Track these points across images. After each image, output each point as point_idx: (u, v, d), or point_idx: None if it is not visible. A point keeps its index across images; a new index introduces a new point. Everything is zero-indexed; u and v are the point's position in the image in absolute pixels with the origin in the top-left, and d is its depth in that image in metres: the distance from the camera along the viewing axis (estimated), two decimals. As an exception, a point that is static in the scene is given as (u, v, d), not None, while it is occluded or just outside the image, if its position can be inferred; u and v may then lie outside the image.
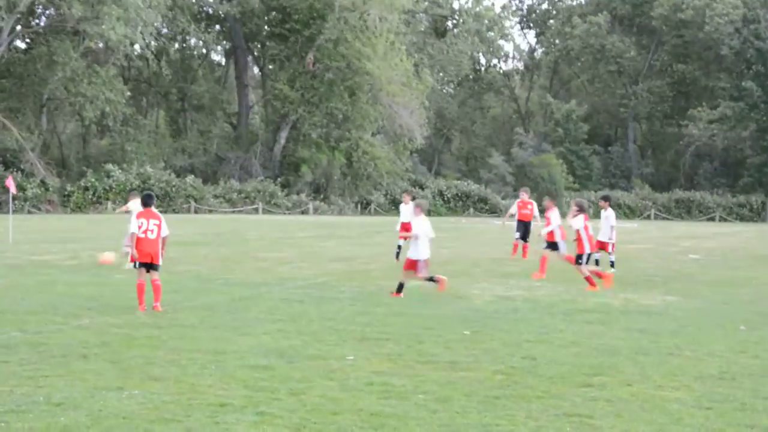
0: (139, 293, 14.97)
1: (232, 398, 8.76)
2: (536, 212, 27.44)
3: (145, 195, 15.90)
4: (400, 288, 17.37)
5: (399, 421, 8.12)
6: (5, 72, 69.59)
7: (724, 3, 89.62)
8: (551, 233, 22.50)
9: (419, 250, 17.15)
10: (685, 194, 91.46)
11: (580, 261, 19.54)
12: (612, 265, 23.86)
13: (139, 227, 14.93)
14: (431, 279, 17.61)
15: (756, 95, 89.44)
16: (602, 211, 24.98)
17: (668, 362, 11.14)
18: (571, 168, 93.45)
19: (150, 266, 15.07)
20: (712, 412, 8.64)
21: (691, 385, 9.83)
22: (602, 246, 23.89)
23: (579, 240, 19.43)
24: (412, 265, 17.20)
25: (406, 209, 24.70)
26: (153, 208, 15.43)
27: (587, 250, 19.46)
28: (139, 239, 14.93)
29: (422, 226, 17.27)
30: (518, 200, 28.24)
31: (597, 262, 23.75)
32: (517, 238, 27.60)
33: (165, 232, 15.23)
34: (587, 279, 19.38)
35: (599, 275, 19.84)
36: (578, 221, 19.50)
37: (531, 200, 27.97)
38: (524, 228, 27.38)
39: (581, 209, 19.72)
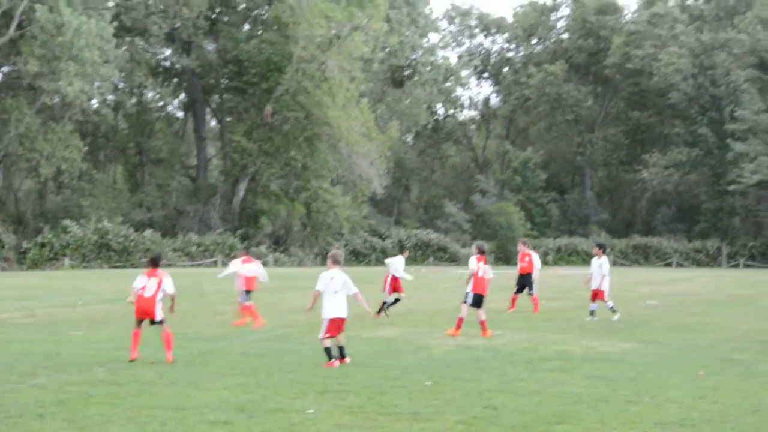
0: (132, 342, 15.50)
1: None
2: (537, 264, 26.85)
3: (154, 256, 16.32)
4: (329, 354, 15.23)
5: (360, 474, 8.08)
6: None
7: (669, 54, 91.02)
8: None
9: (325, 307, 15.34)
10: (643, 240, 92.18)
11: (465, 300, 19.53)
12: (613, 310, 23.82)
13: (141, 286, 15.48)
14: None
15: (710, 141, 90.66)
16: (595, 259, 24.77)
17: (628, 409, 11.17)
18: (530, 215, 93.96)
19: (151, 322, 15.44)
20: (672, 459, 8.67)
21: (651, 432, 9.86)
22: (596, 294, 23.97)
23: (476, 280, 19.35)
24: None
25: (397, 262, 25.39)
26: (158, 269, 15.74)
27: (468, 289, 19.46)
28: (138, 296, 15.48)
29: (323, 280, 15.41)
30: (519, 253, 27.57)
31: (592, 313, 23.87)
32: (516, 292, 26.77)
33: (170, 290, 15.58)
34: (459, 321, 19.63)
35: (459, 324, 19.70)
36: (473, 262, 19.54)
37: (530, 251, 27.17)
38: (522, 280, 26.72)
39: (480, 251, 19.74)
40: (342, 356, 15.11)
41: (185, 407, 11.06)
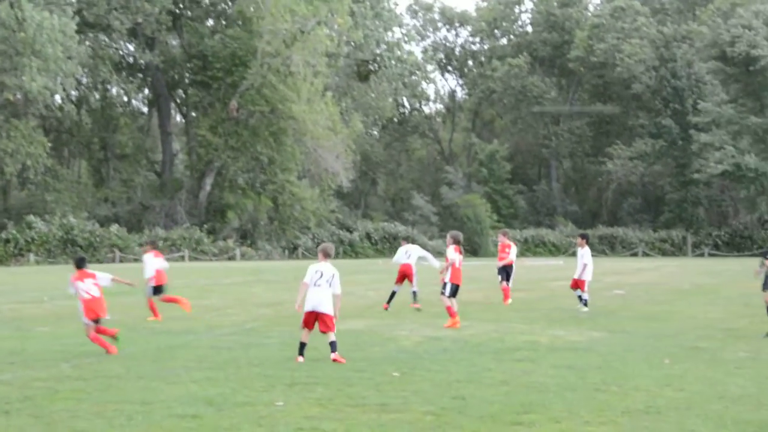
0: (99, 343, 15.55)
1: (159, 449, 8.64)
2: (513, 255, 26.60)
3: (78, 258, 16.44)
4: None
5: (329, 465, 8.09)
6: None
7: (632, 44, 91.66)
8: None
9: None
10: (609, 230, 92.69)
11: (443, 291, 19.61)
12: (584, 303, 23.90)
13: (85, 290, 15.51)
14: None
15: (674, 132, 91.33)
16: (579, 249, 24.84)
17: (595, 398, 11.24)
18: (496, 207, 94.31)
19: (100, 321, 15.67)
20: (639, 446, 8.73)
21: (617, 420, 9.92)
22: (576, 284, 24.07)
23: (453, 271, 19.42)
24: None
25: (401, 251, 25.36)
26: (86, 269, 15.90)
27: (447, 279, 19.51)
28: (85, 301, 15.42)
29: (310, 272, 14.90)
30: (499, 244, 27.31)
31: (580, 299, 23.95)
32: (500, 282, 26.59)
33: (106, 282, 15.99)
34: (449, 310, 19.71)
35: (451, 313, 19.68)
36: (451, 252, 19.57)
37: (510, 242, 26.90)
38: (505, 271, 26.50)
39: (455, 241, 19.74)
40: (333, 351, 14.63)
41: (153, 401, 11.01)
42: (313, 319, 14.68)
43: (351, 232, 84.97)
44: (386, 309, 23.96)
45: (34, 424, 9.80)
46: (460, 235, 20.38)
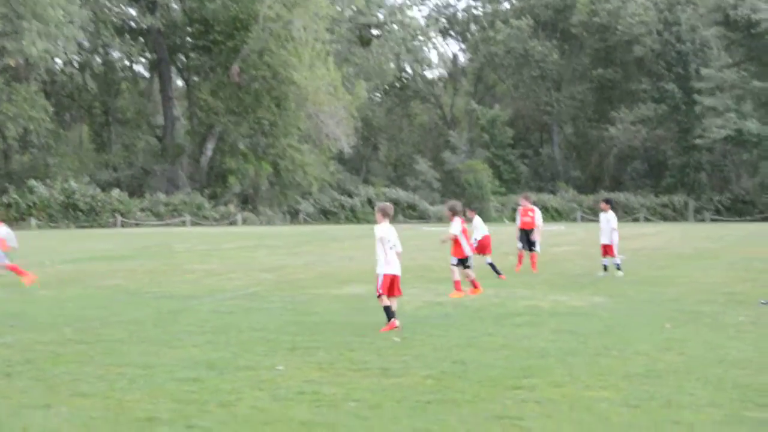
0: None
1: (160, 412, 8.67)
2: (539, 220, 25.61)
3: None
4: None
5: (330, 429, 8.11)
6: None
7: (636, 3, 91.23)
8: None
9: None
10: (610, 196, 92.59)
11: (465, 264, 18.90)
12: (618, 267, 23.80)
13: None
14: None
15: (677, 97, 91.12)
16: (602, 214, 24.60)
17: (596, 362, 11.26)
18: (498, 173, 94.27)
19: None
20: (638, 410, 8.75)
21: (618, 384, 9.95)
22: (606, 249, 23.92)
23: (457, 244, 18.65)
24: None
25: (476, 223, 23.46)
26: None
27: (468, 253, 18.78)
28: None
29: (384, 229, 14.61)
30: (519, 207, 26.21)
31: (605, 268, 23.87)
32: (520, 248, 25.51)
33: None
34: (456, 283, 18.91)
35: (474, 284, 19.10)
36: (455, 226, 18.60)
37: (533, 206, 25.86)
38: (527, 237, 25.34)
39: (455, 212, 18.63)
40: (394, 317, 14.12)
41: (154, 365, 11.04)
42: (391, 282, 14.36)
43: (352, 197, 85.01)
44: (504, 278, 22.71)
45: (36, 387, 9.83)
46: (459, 205, 19.48)
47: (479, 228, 23.05)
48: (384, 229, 14.56)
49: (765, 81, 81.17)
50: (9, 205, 66.25)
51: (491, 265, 23.24)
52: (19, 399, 9.24)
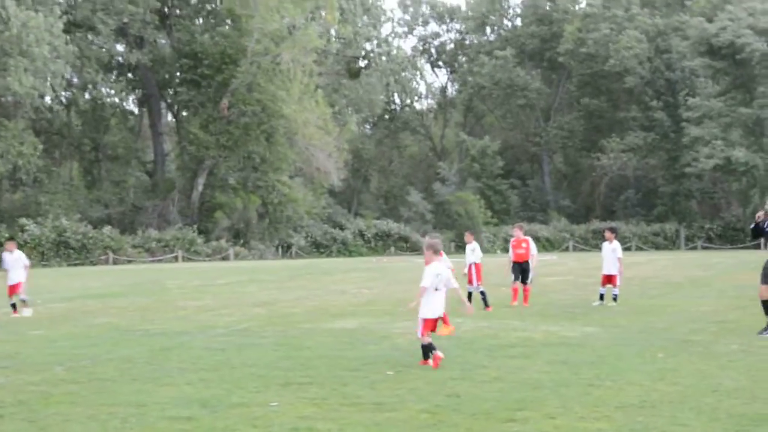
0: None
1: (154, 452, 8.64)
2: (534, 250, 24.71)
3: None
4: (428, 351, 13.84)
5: (324, 466, 8.09)
6: None
7: (629, 36, 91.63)
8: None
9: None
10: (602, 225, 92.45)
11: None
12: (614, 298, 23.84)
13: None
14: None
15: (666, 125, 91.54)
16: (606, 243, 24.52)
17: (590, 393, 11.25)
18: (489, 203, 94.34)
19: None
20: (633, 441, 8.74)
21: (612, 415, 9.93)
22: (609, 279, 23.92)
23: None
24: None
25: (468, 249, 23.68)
26: None
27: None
28: None
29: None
30: (512, 238, 25.13)
31: (602, 297, 23.90)
32: (513, 281, 24.37)
33: None
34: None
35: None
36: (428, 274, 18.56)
37: (526, 237, 24.88)
38: (520, 269, 24.22)
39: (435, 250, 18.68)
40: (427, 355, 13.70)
41: (146, 403, 11.00)
42: (434, 325, 13.91)
43: (343, 230, 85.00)
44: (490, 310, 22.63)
45: (28, 429, 9.79)
46: (437, 243, 19.30)
47: (476, 253, 23.18)
48: (436, 270, 13.87)
49: (751, 108, 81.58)
50: (0, 244, 65.98)
51: (483, 293, 23.21)
52: (11, 441, 9.20)
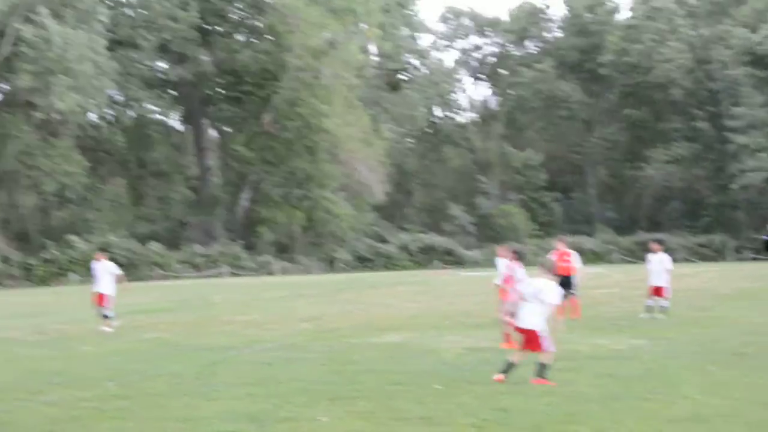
0: None
1: (205, 467, 8.69)
2: (578, 263, 24.47)
3: None
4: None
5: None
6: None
7: (671, 48, 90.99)
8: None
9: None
10: (648, 236, 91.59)
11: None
12: (663, 310, 23.76)
13: None
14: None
15: (710, 135, 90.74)
16: (652, 255, 24.52)
17: (640, 407, 11.16)
18: (533, 216, 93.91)
19: None
20: (686, 455, 8.67)
21: (663, 429, 9.86)
22: (657, 291, 23.81)
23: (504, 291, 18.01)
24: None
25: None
26: None
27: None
28: None
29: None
30: (554, 251, 24.56)
31: (649, 309, 23.79)
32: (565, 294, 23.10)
33: None
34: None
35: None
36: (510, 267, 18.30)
37: (569, 250, 24.64)
38: (564, 282, 22.25)
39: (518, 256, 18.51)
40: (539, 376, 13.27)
41: (195, 418, 11.07)
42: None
43: (387, 243, 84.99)
44: None
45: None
46: (515, 248, 18.94)
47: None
48: (542, 284, 13.70)
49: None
50: (49, 261, 66.79)
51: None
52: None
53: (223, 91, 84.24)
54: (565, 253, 24.44)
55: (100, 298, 24.27)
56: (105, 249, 38.48)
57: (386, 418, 10.80)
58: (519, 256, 18.58)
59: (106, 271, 24.72)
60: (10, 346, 21.12)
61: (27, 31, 60.54)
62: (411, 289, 42.47)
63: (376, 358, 16.61)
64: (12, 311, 34.83)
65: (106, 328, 23.62)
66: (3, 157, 67.48)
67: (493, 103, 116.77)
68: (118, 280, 24.97)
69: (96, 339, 21.93)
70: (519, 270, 17.87)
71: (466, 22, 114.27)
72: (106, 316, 24.09)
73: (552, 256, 23.63)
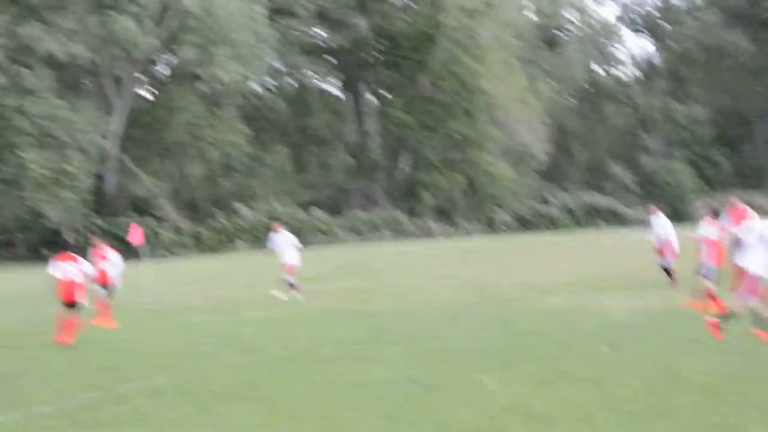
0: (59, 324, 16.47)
1: (373, 429, 8.79)
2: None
3: (64, 243, 17.57)
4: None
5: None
6: (134, 122, 71.59)
7: None
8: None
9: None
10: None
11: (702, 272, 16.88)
12: None
13: (66, 271, 16.48)
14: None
15: None
16: None
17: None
18: (699, 172, 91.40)
19: (70, 305, 16.45)
20: None
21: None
22: None
23: (712, 248, 16.94)
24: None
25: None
26: (71, 252, 16.95)
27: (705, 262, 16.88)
28: (63, 282, 16.45)
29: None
30: (730, 210, 21.45)
31: None
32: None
33: (87, 269, 16.94)
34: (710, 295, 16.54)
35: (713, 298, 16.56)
36: (707, 226, 17.32)
37: (744, 206, 21.87)
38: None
39: (714, 213, 17.64)
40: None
41: (363, 382, 11.24)
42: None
43: (549, 204, 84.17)
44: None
45: (258, 407, 10.16)
46: (713, 204, 18.18)
47: (665, 227, 22.14)
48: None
49: None
50: (217, 229, 68.71)
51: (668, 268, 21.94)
52: (240, 419, 9.57)
53: (380, 56, 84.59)
54: (742, 210, 22.17)
55: (290, 269, 24.42)
56: (280, 219, 39.02)
57: (554, 380, 10.73)
58: (715, 213, 17.81)
59: (287, 242, 24.83)
60: (186, 311, 21.88)
61: (192, 2, 62.09)
62: (573, 249, 42.00)
63: (540, 320, 16.52)
64: (184, 278, 35.98)
65: (282, 295, 23.91)
66: (171, 128, 69.74)
67: (656, 57, 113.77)
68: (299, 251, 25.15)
69: (263, 305, 22.44)
70: (722, 223, 17.32)
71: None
72: (291, 285, 24.21)
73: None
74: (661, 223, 22.30)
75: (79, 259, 16.72)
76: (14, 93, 60.18)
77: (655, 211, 23.27)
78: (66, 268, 16.47)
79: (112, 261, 20.00)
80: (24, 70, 60.54)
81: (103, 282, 19.58)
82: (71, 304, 16.36)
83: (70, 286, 16.38)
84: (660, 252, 22.12)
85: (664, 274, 21.83)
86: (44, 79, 60.74)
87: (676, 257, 21.90)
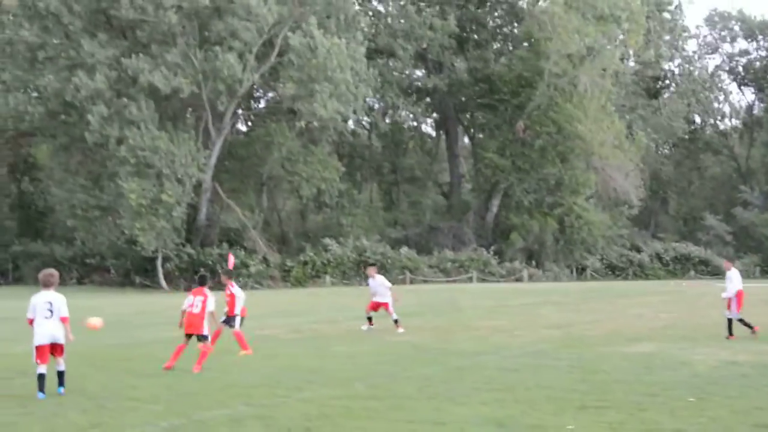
0: (174, 353, 16.95)
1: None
2: None
3: (200, 276, 18.13)
4: None
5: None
6: (228, 155, 72.82)
7: None
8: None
9: None
10: None
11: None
12: None
13: (189, 304, 16.96)
14: None
15: None
16: None
17: None
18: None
19: (197, 337, 16.90)
20: None
21: None
22: None
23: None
24: None
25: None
26: (205, 288, 17.18)
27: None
28: (186, 313, 16.96)
29: None
30: None
31: None
32: None
33: (210, 307, 16.96)
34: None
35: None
36: None
37: None
38: None
39: None
40: None
41: (444, 422, 11.14)
42: None
43: (640, 252, 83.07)
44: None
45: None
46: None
47: (734, 281, 22.01)
48: None
49: None
50: (306, 263, 69.26)
51: (741, 320, 21.86)
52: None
53: (477, 99, 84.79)
54: None
55: (385, 306, 25.10)
56: (374, 264, 39.22)
57: (636, 430, 10.52)
58: None
59: (382, 286, 25.41)
60: (271, 343, 22.03)
61: (295, 40, 63.09)
62: (663, 298, 41.31)
63: (626, 368, 16.24)
64: (272, 310, 36.22)
65: (400, 329, 24.37)
66: (268, 163, 70.77)
67: (758, 108, 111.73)
68: (392, 292, 25.58)
69: (348, 339, 22.49)
70: None
71: (734, 25, 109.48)
72: (395, 321, 24.78)
73: None
74: (732, 277, 22.16)
75: (208, 293, 17.05)
76: (117, 123, 61.68)
77: (729, 267, 23.06)
78: (192, 301, 16.98)
79: (237, 294, 20.33)
80: (127, 102, 62.04)
81: (231, 313, 19.93)
82: (192, 336, 16.91)
83: (192, 318, 16.89)
84: (728, 305, 22.00)
85: (744, 327, 21.65)
86: (146, 110, 62.16)
87: (740, 310, 21.90)
